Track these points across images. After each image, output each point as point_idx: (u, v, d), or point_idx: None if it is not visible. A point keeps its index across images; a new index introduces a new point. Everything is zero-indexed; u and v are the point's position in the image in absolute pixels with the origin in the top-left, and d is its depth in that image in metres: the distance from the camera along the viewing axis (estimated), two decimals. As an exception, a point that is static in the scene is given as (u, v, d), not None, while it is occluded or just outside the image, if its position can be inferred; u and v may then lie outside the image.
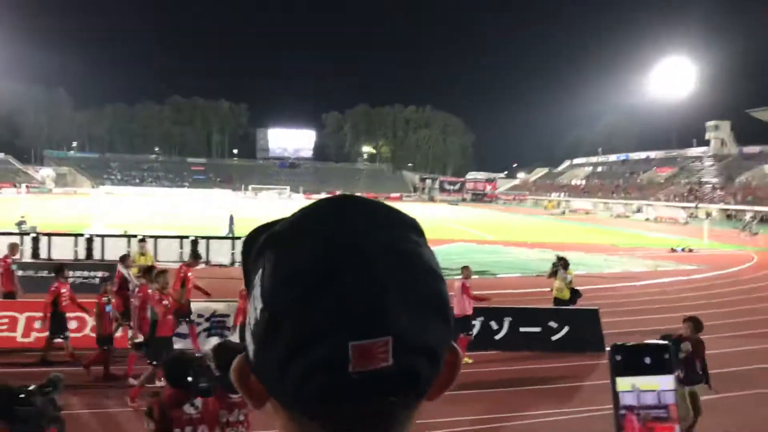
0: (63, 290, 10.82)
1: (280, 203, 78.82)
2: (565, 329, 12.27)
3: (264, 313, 0.60)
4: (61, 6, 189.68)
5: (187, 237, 23.20)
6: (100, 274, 16.86)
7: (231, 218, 31.62)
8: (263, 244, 0.65)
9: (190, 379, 4.74)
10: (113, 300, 10.77)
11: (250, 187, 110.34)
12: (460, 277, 11.58)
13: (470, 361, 10.85)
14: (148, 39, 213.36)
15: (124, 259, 12.68)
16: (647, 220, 71.81)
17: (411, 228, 0.66)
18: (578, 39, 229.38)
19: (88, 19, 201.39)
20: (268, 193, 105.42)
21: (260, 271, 0.63)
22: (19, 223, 26.17)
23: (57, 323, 10.63)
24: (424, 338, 0.59)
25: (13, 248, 13.58)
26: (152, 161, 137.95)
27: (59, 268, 11.41)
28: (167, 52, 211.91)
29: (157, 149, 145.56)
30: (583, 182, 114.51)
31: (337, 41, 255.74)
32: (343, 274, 0.57)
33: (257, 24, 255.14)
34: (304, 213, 0.65)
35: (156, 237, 23.17)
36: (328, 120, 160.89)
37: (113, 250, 21.49)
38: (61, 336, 10.67)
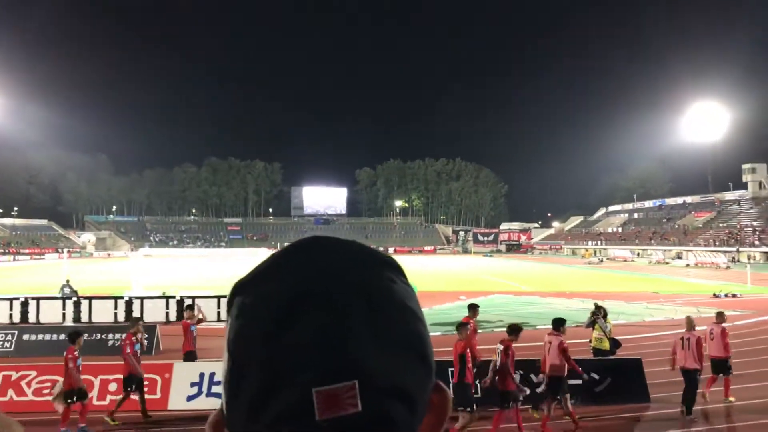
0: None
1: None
2: (608, 380, 12.02)
3: (229, 363, 0.57)
4: (99, 76, 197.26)
5: (224, 296, 23.41)
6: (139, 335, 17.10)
7: None
8: (231, 293, 0.62)
9: None
10: None
11: (285, 244, 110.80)
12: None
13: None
14: (184, 105, 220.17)
15: None
16: (687, 266, 70.42)
17: (384, 265, 0.62)
18: (608, 86, 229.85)
19: (126, 88, 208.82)
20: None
21: (228, 320, 0.60)
22: (63, 288, 26.73)
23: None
24: (397, 381, 0.54)
25: (190, 310, 14.18)
26: (189, 222, 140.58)
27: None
28: (204, 116, 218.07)
29: (194, 210, 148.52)
30: (620, 229, 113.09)
31: (366, 99, 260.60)
32: (305, 316, 0.54)
33: (288, 85, 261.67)
34: (271, 257, 0.63)
35: (193, 297, 23.49)
36: (361, 176, 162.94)
37: (152, 312, 21.89)
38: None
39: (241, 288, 0.61)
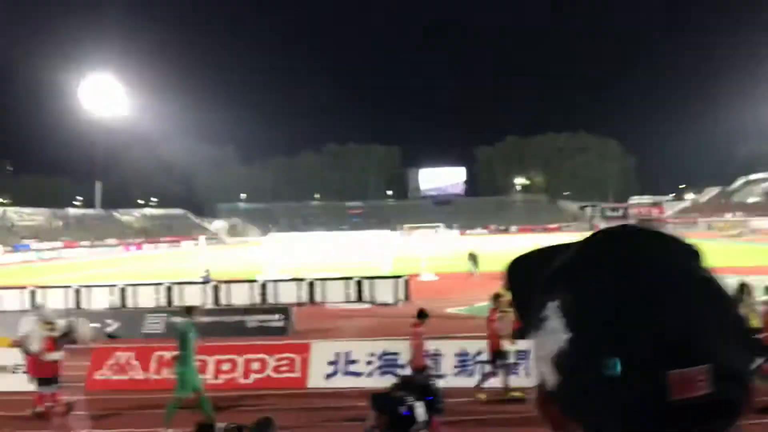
0: None
1: (436, 239, 79.82)
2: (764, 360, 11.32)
3: (575, 344, 0.61)
4: (222, 71, 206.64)
5: (351, 278, 24.02)
6: (276, 317, 17.96)
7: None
8: (557, 276, 0.65)
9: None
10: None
11: (405, 226, 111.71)
12: None
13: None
14: (303, 95, 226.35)
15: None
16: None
17: (697, 255, 0.65)
18: (743, 44, 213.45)
19: (246, 82, 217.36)
20: (424, 231, 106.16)
21: (557, 302, 0.64)
22: (205, 276, 27.70)
23: None
24: (736, 365, 0.59)
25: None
26: (313, 207, 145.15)
27: None
28: (322, 103, 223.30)
29: (317, 195, 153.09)
30: (762, 199, 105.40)
31: (480, 75, 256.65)
32: (653, 304, 0.58)
33: (402, 69, 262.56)
34: (591, 244, 0.66)
35: (323, 279, 24.32)
36: (479, 154, 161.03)
37: (286, 294, 22.86)
38: None
39: (569, 274, 0.64)
